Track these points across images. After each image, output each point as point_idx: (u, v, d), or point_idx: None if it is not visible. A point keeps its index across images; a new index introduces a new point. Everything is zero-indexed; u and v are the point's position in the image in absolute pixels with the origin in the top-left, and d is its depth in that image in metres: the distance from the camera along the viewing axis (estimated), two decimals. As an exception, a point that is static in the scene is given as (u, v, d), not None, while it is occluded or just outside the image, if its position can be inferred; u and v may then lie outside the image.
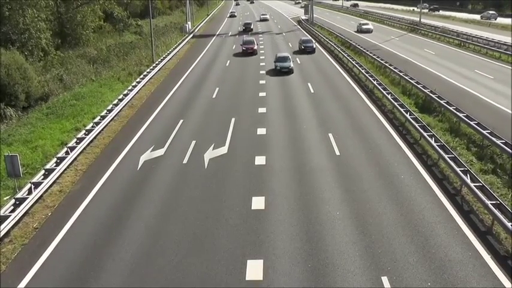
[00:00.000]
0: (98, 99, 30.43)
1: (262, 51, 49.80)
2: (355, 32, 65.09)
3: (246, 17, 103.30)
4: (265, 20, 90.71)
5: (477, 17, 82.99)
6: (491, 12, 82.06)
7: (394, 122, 24.34)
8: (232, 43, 58.39)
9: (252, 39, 50.65)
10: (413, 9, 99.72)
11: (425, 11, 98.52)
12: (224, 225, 14.63)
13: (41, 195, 16.81)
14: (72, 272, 12.63)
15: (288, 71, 37.60)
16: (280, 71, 37.70)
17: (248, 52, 47.75)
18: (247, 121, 25.17)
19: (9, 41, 37.22)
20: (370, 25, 67.22)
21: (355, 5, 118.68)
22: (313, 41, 50.82)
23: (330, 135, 22.34)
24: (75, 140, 21.63)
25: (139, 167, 19.59)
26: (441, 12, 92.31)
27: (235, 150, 20.93)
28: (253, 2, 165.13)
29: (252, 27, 72.49)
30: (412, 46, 50.89)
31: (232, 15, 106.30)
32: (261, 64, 42.28)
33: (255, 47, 48.45)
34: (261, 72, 38.63)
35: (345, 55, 42.93)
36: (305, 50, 48.24)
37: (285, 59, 39.10)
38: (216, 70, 40.82)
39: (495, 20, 77.55)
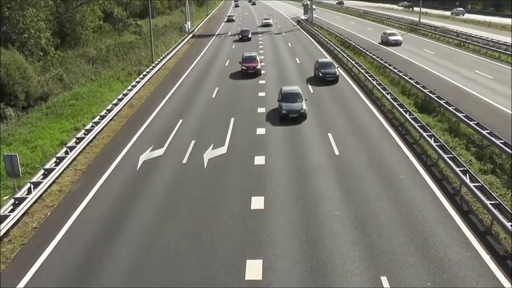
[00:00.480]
0: (97, 99, 30.44)
1: (262, 51, 49.80)
2: (379, 43, 52.68)
3: (245, 17, 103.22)
4: (267, 25, 77.73)
5: (476, 16, 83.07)
6: (459, 9, 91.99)
7: (393, 122, 24.34)
8: (232, 43, 58.41)
9: (253, 55, 38.49)
10: (412, 9, 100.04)
11: (401, 8, 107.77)
12: (223, 225, 14.64)
13: (41, 195, 16.81)
14: (71, 271, 12.63)
15: (299, 116, 24.45)
16: (288, 116, 24.39)
17: (249, 73, 36.40)
18: (246, 121, 25.17)
19: (9, 40, 37.20)
20: (399, 35, 53.16)
21: (341, 3, 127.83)
22: (335, 65, 35.51)
23: (330, 135, 22.34)
24: (74, 139, 21.63)
25: (138, 166, 19.59)
26: (440, 12, 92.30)
27: (234, 150, 20.93)
28: (254, 4, 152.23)
29: (250, 35, 60.37)
30: (412, 46, 50.85)
31: (229, 20, 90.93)
32: (261, 64, 42.22)
33: (259, 66, 37.13)
34: (261, 72, 38.54)
35: (345, 55, 42.94)
36: (324, 78, 33.22)
37: (294, 96, 25.28)
38: (216, 70, 40.80)
39: (463, 15, 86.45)
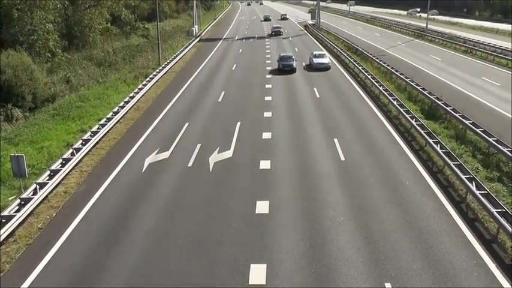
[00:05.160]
0: (104, 101, 30.55)
1: (269, 56, 49.93)
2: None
3: (253, 21, 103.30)
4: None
5: (484, 23, 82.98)
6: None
7: (399, 128, 24.26)
8: (239, 48, 58.55)
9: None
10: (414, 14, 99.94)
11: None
12: (228, 229, 14.62)
13: (46, 196, 16.87)
14: (75, 272, 12.65)
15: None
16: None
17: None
18: (252, 125, 25.18)
19: (17, 42, 37.43)
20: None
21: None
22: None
23: (335, 140, 22.30)
24: (80, 141, 21.69)
25: (144, 169, 19.63)
26: (449, 19, 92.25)
27: (240, 154, 20.92)
28: (280, 33, 72.48)
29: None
30: (419, 52, 50.79)
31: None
32: (267, 68, 42.36)
33: None
34: (267, 76, 38.67)
35: (351, 60, 42.92)
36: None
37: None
38: (222, 74, 40.89)
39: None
